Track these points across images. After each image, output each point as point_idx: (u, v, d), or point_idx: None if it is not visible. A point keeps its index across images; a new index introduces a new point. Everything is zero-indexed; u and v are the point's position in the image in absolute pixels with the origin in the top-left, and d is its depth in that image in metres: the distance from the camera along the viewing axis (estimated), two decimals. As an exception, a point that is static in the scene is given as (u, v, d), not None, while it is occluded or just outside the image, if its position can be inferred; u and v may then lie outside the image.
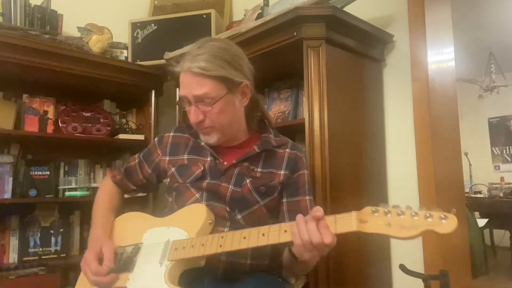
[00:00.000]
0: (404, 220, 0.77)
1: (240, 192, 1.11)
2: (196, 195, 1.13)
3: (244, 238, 0.92)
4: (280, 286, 1.10)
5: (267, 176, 1.14)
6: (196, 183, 1.14)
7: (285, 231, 0.89)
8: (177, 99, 1.13)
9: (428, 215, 0.75)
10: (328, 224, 0.85)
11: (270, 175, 1.15)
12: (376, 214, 0.80)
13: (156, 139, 1.30)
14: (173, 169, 1.18)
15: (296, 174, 1.17)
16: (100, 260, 1.07)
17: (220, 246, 0.94)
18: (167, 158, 1.21)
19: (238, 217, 1.11)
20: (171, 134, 1.26)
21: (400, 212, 0.78)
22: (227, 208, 1.11)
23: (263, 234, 0.91)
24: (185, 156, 1.19)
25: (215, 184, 1.12)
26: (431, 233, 0.74)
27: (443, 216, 0.74)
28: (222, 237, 0.96)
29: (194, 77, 1.06)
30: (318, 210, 0.87)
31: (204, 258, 1.00)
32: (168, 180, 1.20)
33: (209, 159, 1.16)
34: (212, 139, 1.13)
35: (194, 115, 1.08)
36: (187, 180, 1.15)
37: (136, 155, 1.32)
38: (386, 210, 0.80)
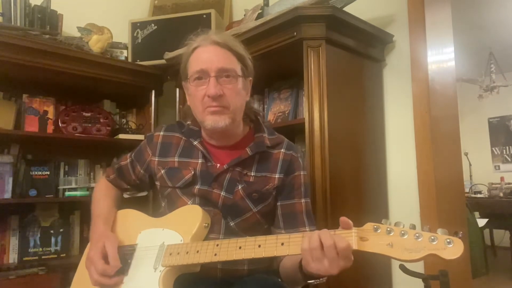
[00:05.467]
0: (407, 242, 0.74)
1: (232, 199, 1.08)
2: (188, 202, 1.10)
3: (240, 248, 0.90)
4: (277, 285, 1.09)
5: (260, 180, 1.10)
6: (187, 189, 1.10)
7: (282, 244, 0.86)
8: (188, 80, 1.09)
9: (433, 237, 0.72)
10: None
11: (264, 179, 1.10)
12: (378, 231, 0.77)
13: (146, 137, 1.25)
14: (162, 172, 1.15)
15: (291, 176, 1.12)
16: (106, 258, 1.03)
17: (215, 254, 0.92)
18: (157, 159, 1.17)
19: (231, 224, 1.08)
20: (161, 133, 1.21)
21: (403, 232, 0.75)
22: (221, 214, 1.08)
23: (259, 246, 0.88)
24: (176, 159, 1.15)
25: (206, 191, 1.09)
26: (435, 257, 0.71)
27: (449, 240, 0.71)
28: (217, 245, 0.93)
29: (219, 48, 1.05)
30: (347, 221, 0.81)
31: (199, 265, 0.97)
32: (159, 183, 1.17)
33: (200, 161, 1.12)
34: (223, 121, 1.04)
35: (215, 87, 1.01)
36: (176, 184, 1.11)
37: (128, 154, 1.28)
38: (388, 228, 0.76)
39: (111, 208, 1.22)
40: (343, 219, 0.82)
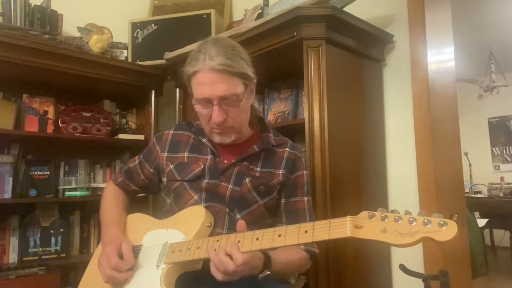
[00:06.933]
0: (401, 226, 0.73)
1: (239, 191, 1.11)
2: (195, 197, 1.13)
3: (239, 242, 0.91)
4: (280, 286, 1.10)
5: (266, 175, 1.14)
6: (195, 183, 1.13)
7: (279, 235, 0.88)
8: (193, 101, 1.09)
9: (426, 221, 0.72)
10: (322, 229, 0.82)
11: (269, 174, 1.15)
12: (372, 219, 0.77)
13: (155, 137, 1.29)
14: (171, 166, 1.18)
15: (295, 174, 1.17)
16: (120, 256, 1.05)
17: (215, 250, 0.93)
18: (165, 154, 1.21)
19: (237, 217, 1.11)
20: (171, 131, 1.25)
21: (397, 218, 0.74)
22: (226, 209, 1.11)
23: (257, 239, 0.90)
24: (186, 154, 1.19)
25: (214, 184, 1.12)
26: (429, 240, 0.71)
27: (442, 222, 0.70)
28: (218, 240, 0.95)
29: (219, 75, 1.02)
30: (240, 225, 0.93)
31: (200, 262, 0.99)
32: (166, 179, 1.20)
33: (209, 157, 1.16)
34: (229, 139, 1.11)
35: (219, 115, 1.04)
36: (185, 177, 1.14)
37: (137, 157, 1.31)
38: (383, 215, 0.76)
39: (121, 214, 1.25)
40: (240, 223, 0.94)
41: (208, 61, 1.02)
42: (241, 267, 0.88)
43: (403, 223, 0.73)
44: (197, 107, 1.08)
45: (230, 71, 1.03)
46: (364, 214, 0.79)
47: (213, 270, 0.91)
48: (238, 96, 1.05)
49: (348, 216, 0.80)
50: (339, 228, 0.80)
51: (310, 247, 1.14)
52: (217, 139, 1.12)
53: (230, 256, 0.88)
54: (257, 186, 1.12)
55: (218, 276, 0.90)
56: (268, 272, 0.97)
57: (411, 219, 0.73)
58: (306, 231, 0.84)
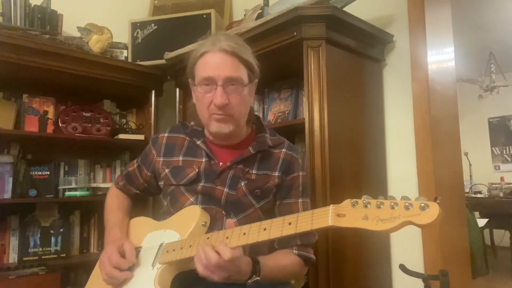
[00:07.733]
0: (382, 212, 0.70)
1: (235, 195, 1.10)
2: (191, 199, 1.12)
3: (227, 238, 0.91)
4: (280, 286, 1.10)
5: (262, 178, 1.13)
6: (191, 186, 1.13)
7: (264, 229, 0.87)
8: (196, 82, 1.10)
9: (408, 204, 0.69)
10: (305, 220, 0.81)
11: (265, 177, 1.13)
12: (355, 206, 0.74)
13: (150, 140, 1.29)
14: (167, 171, 1.17)
15: (290, 176, 1.15)
16: (122, 255, 1.06)
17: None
18: (161, 159, 1.20)
19: (234, 220, 1.10)
20: (166, 134, 1.24)
21: (379, 203, 0.72)
22: (223, 212, 1.10)
23: (244, 234, 0.89)
24: (180, 158, 1.17)
25: (209, 188, 1.11)
26: (411, 224, 0.68)
27: (423, 205, 0.67)
28: (208, 238, 0.95)
29: (229, 56, 1.04)
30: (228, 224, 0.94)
31: (193, 260, 0.99)
32: (162, 182, 1.20)
33: (204, 160, 1.15)
34: (227, 128, 1.08)
35: (222, 96, 1.03)
36: (181, 182, 1.13)
37: (135, 160, 1.32)
38: (365, 201, 0.74)
39: (124, 217, 1.26)
40: (228, 222, 0.97)
41: (218, 43, 1.05)
42: (228, 263, 0.87)
43: (385, 209, 0.71)
44: (199, 90, 1.07)
45: (238, 55, 1.05)
46: (346, 202, 0.77)
47: (195, 260, 0.91)
48: (243, 82, 1.06)
49: (331, 205, 0.78)
50: (321, 217, 0.78)
51: (303, 252, 1.12)
52: (214, 127, 1.08)
53: (217, 252, 0.88)
54: (252, 190, 1.11)
55: (199, 268, 0.90)
56: (258, 278, 0.96)
57: (392, 203, 0.71)
58: (290, 223, 0.83)
